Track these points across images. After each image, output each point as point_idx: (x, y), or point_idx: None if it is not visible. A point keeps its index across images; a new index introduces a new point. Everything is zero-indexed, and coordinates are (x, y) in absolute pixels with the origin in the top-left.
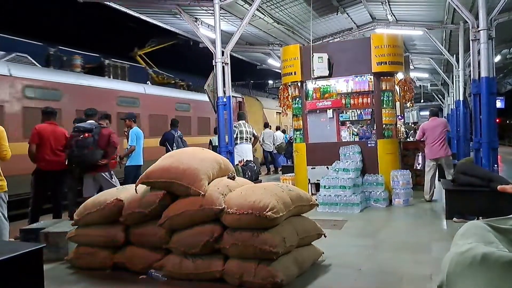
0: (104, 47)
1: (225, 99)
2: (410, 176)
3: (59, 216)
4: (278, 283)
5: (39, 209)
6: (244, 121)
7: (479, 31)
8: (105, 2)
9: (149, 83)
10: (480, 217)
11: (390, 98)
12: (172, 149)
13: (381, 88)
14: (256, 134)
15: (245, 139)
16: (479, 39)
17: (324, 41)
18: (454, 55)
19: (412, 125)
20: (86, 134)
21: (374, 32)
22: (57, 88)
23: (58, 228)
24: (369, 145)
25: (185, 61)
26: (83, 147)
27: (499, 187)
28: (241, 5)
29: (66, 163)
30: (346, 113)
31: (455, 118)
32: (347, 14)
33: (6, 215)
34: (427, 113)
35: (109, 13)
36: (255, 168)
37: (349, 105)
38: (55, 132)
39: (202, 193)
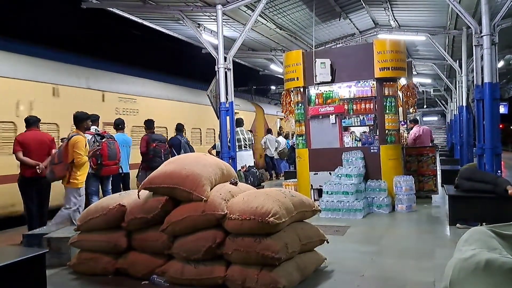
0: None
1: (227, 105)
2: (413, 181)
3: (44, 223)
4: None
5: (33, 214)
6: (242, 128)
7: (482, 36)
8: (108, 8)
9: None
10: (484, 223)
11: (393, 104)
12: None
13: (383, 93)
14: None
15: (244, 146)
16: (482, 45)
17: (326, 46)
18: (457, 61)
19: None
20: (167, 145)
21: (377, 37)
22: None
23: (60, 234)
24: (371, 150)
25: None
26: (167, 155)
27: (508, 186)
28: (244, 11)
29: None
30: (348, 118)
31: (458, 124)
32: (349, 19)
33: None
34: (430, 118)
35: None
36: (257, 173)
37: (351, 111)
38: (38, 139)
39: (205, 198)
